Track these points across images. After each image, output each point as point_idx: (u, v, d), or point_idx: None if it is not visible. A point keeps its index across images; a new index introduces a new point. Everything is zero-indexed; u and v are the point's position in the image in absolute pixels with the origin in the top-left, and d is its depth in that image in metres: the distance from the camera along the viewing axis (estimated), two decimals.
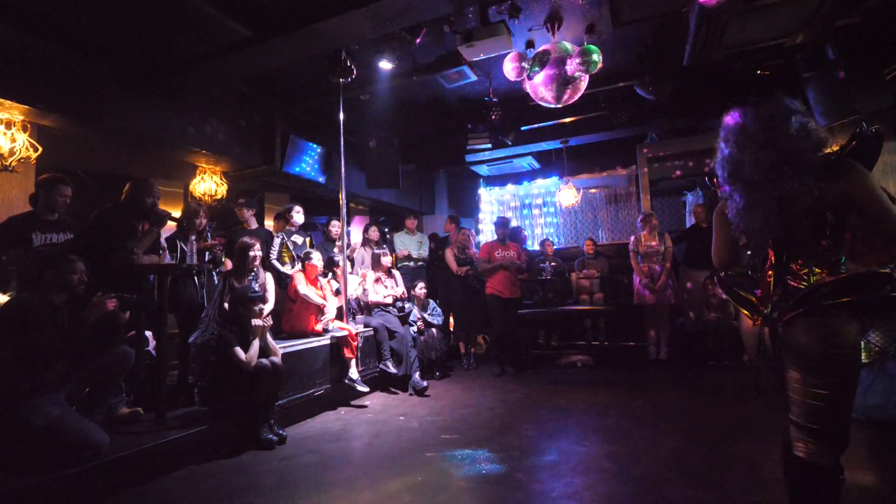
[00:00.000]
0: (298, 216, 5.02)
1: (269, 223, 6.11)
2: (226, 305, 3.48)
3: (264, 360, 3.23)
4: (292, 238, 4.94)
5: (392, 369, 4.54)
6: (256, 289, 3.48)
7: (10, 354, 2.42)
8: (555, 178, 8.05)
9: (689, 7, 3.73)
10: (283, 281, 4.58)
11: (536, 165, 7.86)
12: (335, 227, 5.33)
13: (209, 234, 3.96)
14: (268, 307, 3.67)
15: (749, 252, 1.74)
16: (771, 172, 1.43)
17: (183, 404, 3.38)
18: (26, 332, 2.45)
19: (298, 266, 4.60)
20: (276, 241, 4.83)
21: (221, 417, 3.11)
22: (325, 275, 4.65)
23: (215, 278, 3.86)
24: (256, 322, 3.29)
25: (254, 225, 4.90)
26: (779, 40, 4.33)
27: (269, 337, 3.40)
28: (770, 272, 1.55)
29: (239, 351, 3.14)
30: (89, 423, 2.52)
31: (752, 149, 1.46)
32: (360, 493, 2.43)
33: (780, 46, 4.43)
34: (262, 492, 2.44)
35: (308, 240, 5.07)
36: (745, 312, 1.64)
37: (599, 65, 3.92)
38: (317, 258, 4.44)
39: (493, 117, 5.59)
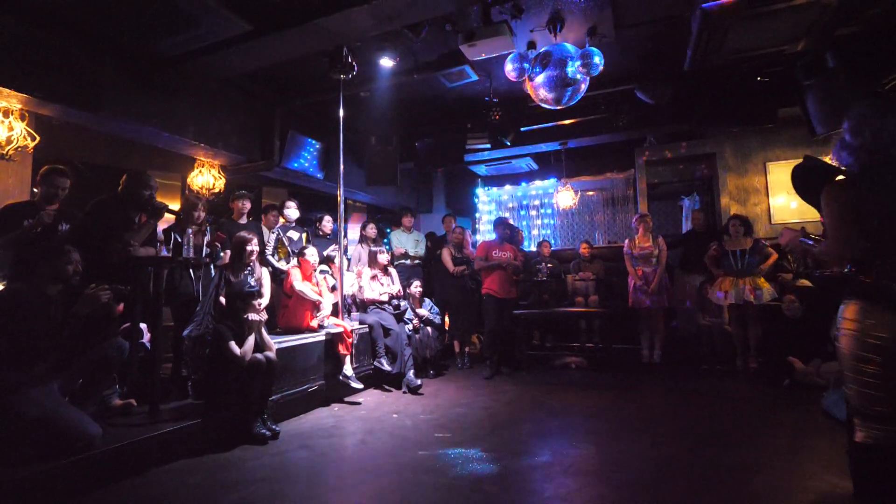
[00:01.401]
0: (289, 211, 4.99)
1: None
2: (221, 299, 3.48)
3: (258, 355, 3.23)
4: (288, 234, 4.93)
5: (386, 367, 4.54)
6: (252, 283, 3.47)
7: (2, 345, 2.41)
8: (553, 180, 8.06)
9: (691, 12, 3.74)
10: (278, 276, 4.56)
11: (535, 167, 7.86)
12: (327, 223, 5.32)
13: (208, 228, 3.95)
14: (263, 302, 3.67)
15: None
16: None
17: (176, 397, 3.37)
18: (18, 323, 2.44)
19: (294, 262, 4.59)
20: (272, 237, 4.81)
21: (215, 411, 3.11)
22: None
23: (212, 271, 3.85)
24: (252, 317, 3.29)
25: (244, 220, 4.75)
26: (780, 47, 4.34)
27: (264, 332, 3.39)
28: None
29: (233, 345, 3.14)
30: (82, 414, 2.51)
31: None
32: (351, 490, 2.43)
33: (780, 53, 4.44)
34: (254, 486, 2.44)
35: (304, 235, 5.06)
36: None
37: (600, 67, 3.92)
38: (312, 254, 4.43)
39: (493, 118, 5.58)
